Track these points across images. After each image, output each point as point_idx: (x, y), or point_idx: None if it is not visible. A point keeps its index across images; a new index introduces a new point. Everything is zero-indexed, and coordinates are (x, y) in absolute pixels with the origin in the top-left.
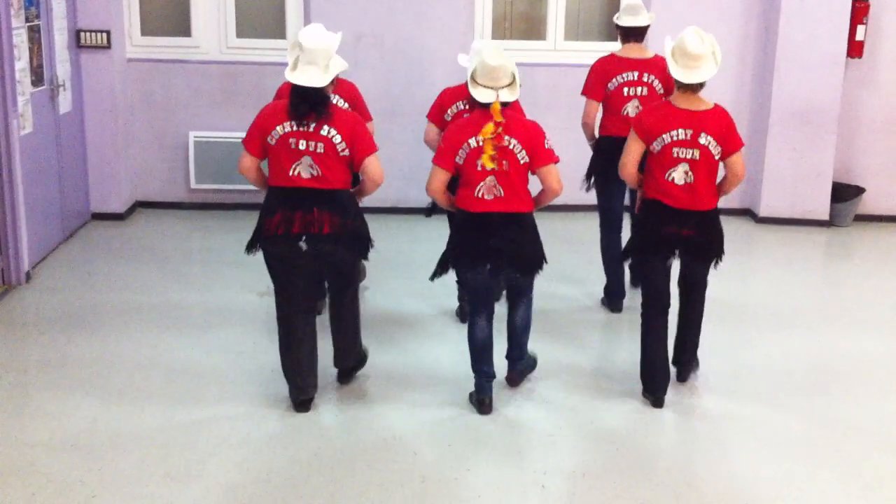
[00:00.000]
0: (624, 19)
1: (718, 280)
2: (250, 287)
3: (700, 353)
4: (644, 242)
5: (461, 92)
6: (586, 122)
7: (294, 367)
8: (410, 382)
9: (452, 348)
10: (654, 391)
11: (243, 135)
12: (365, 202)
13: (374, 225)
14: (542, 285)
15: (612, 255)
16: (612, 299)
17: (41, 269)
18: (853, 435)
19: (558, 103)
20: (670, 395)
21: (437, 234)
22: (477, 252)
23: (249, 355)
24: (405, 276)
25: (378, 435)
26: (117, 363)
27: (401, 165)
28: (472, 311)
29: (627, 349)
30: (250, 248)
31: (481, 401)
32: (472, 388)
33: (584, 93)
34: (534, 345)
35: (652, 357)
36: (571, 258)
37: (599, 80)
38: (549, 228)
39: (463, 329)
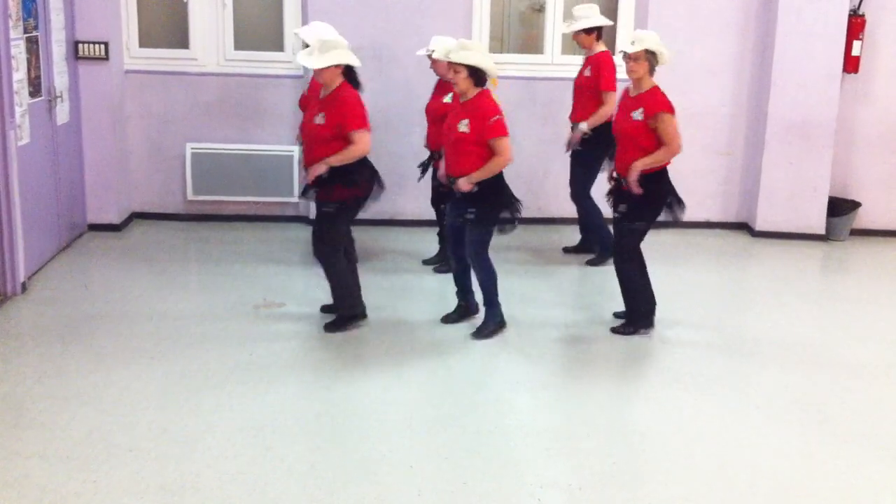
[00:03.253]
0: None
1: (715, 293)
2: (247, 298)
3: (697, 366)
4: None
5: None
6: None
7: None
8: (409, 393)
9: (459, 357)
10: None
11: (240, 147)
12: (363, 214)
13: (370, 236)
14: (544, 303)
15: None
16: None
17: (37, 279)
18: (851, 445)
19: (556, 117)
20: (670, 412)
21: (432, 248)
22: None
23: (246, 367)
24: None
25: (375, 447)
26: (113, 374)
27: (398, 177)
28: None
29: (623, 363)
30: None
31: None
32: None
33: (614, 87)
34: (531, 357)
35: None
36: (568, 275)
37: None
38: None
39: (475, 345)
